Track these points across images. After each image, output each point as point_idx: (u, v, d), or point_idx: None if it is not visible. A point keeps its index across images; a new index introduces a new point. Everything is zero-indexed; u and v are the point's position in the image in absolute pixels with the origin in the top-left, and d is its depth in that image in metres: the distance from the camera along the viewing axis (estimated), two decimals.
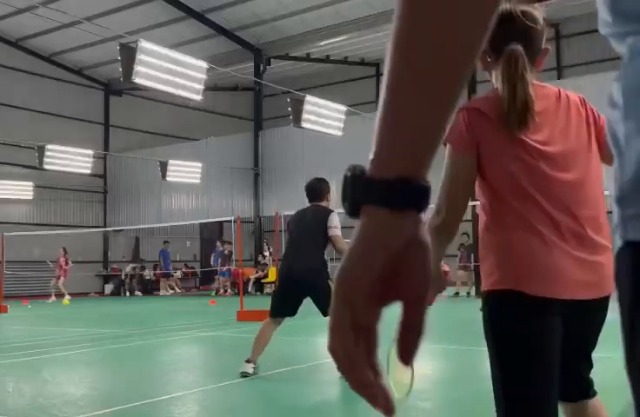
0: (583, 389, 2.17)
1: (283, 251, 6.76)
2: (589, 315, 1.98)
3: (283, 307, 5.73)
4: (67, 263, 19.81)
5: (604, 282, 1.87)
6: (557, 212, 1.87)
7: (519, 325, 1.88)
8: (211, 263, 21.42)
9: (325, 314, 5.56)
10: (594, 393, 2.21)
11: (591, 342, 2.09)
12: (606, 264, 1.87)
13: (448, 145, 1.96)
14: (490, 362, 1.92)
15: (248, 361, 5.51)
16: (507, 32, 1.88)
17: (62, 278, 19.61)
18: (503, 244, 1.91)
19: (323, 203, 6.35)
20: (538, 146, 1.90)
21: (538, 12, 2.02)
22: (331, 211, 6.18)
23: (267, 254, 19.49)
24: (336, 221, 6.05)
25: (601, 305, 1.95)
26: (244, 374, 5.42)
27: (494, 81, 2.01)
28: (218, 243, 21.94)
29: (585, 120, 2.01)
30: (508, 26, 1.90)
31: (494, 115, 1.93)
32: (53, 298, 19.21)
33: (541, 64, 2.06)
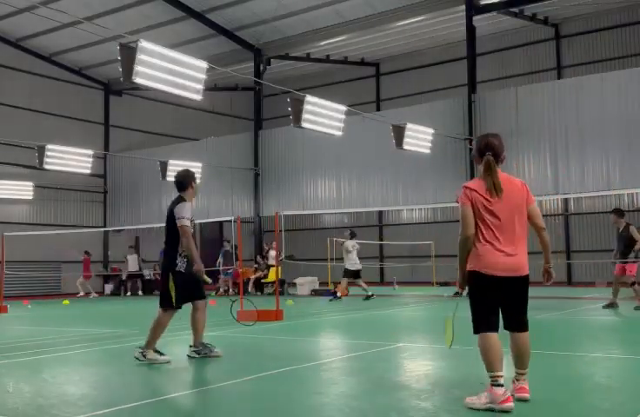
0: (520, 325, 4.42)
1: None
2: (517, 285, 4.39)
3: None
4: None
5: (521, 269, 4.37)
6: (501, 236, 4.34)
7: (481, 283, 4.37)
8: (218, 262, 21.35)
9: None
10: (526, 329, 4.44)
11: (522, 299, 4.42)
12: (522, 260, 4.37)
13: (460, 203, 4.38)
14: (469, 299, 4.42)
15: None
16: (487, 149, 4.44)
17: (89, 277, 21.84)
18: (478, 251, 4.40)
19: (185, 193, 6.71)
20: (488, 206, 4.34)
21: (498, 141, 4.50)
22: (182, 201, 6.54)
23: (273, 254, 19.36)
24: (181, 210, 6.45)
25: (522, 279, 4.38)
26: None
27: (480, 170, 4.46)
28: (225, 242, 21.89)
29: (526, 193, 4.46)
30: (488, 147, 4.44)
31: (479, 190, 4.37)
32: (94, 294, 21.90)
33: (503, 163, 4.49)
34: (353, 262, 16.50)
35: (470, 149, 18.07)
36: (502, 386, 4.18)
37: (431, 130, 17.56)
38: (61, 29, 21.47)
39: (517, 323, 4.41)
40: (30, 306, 16.96)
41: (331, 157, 20.61)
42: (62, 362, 7.04)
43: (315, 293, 20.08)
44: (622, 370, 5.82)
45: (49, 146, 17.25)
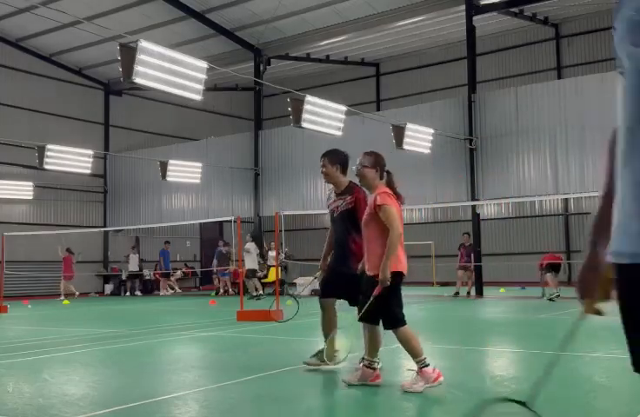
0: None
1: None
2: None
3: None
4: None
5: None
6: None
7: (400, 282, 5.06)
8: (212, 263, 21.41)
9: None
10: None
11: None
12: None
13: (389, 204, 5.04)
14: (388, 293, 4.95)
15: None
16: (384, 165, 5.54)
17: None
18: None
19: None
20: (400, 213, 5.15)
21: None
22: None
23: (273, 254, 19.36)
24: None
25: None
26: None
27: (380, 183, 5.38)
28: (221, 243, 21.91)
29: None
30: (385, 164, 5.53)
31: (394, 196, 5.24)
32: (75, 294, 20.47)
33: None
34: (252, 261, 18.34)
35: (471, 149, 18.09)
36: (428, 365, 4.83)
37: (431, 130, 17.56)
38: (61, 29, 21.45)
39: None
40: (30, 306, 16.96)
41: None
42: (62, 362, 7.04)
43: (315, 293, 20.08)
44: (622, 370, 5.82)
45: (49, 146, 17.24)
